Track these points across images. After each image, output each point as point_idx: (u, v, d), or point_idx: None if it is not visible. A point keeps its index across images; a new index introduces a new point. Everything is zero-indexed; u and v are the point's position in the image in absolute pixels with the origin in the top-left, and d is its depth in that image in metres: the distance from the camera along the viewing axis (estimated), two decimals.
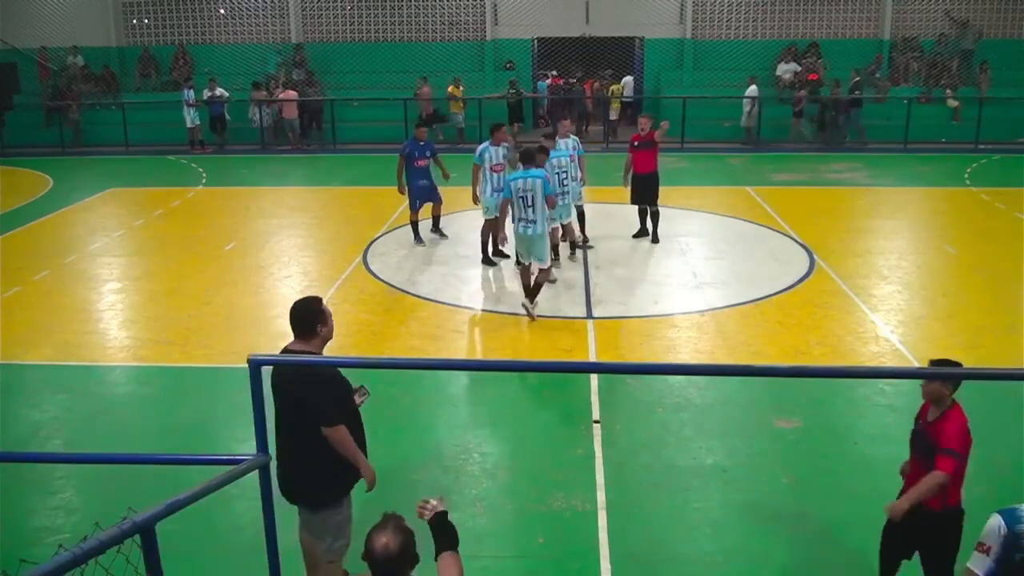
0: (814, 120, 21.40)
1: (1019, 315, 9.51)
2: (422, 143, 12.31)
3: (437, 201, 12.55)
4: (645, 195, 12.51)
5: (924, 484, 4.23)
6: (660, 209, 12.63)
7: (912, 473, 4.51)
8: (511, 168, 10.74)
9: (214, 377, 8.34)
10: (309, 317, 4.55)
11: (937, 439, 4.29)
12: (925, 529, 4.43)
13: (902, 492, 4.55)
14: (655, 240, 12.53)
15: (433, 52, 23.54)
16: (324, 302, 4.68)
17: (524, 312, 9.47)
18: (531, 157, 9.66)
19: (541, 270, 9.53)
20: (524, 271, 9.76)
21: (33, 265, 11.79)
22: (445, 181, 12.70)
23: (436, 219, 12.74)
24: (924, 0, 22.96)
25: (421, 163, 12.19)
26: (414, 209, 12.39)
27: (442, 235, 12.71)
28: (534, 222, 9.37)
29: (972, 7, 22.80)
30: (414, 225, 12.45)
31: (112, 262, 12.23)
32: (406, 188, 12.29)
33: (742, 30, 23.47)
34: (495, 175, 11.17)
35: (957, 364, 4.39)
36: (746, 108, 21.08)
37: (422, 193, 12.33)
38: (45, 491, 6.24)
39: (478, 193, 11.46)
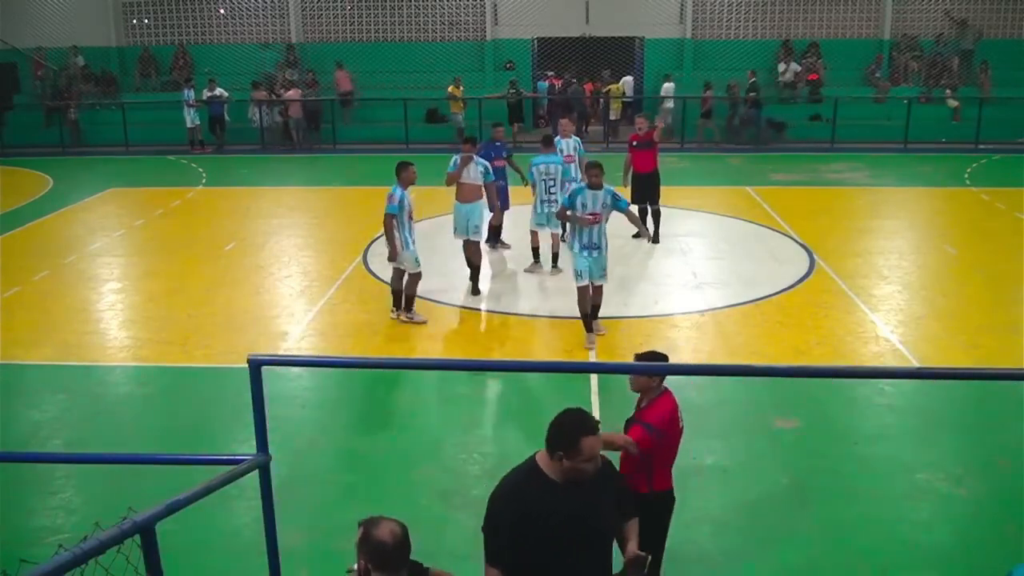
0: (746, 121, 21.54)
1: (1019, 315, 9.51)
2: (498, 144, 11.79)
3: (504, 207, 11.83)
4: (646, 194, 12.56)
5: (614, 435, 4.39)
6: (661, 208, 12.66)
7: (623, 458, 4.60)
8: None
9: (214, 377, 8.34)
10: (565, 434, 3.33)
11: (640, 418, 4.58)
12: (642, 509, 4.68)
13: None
14: (655, 240, 12.54)
15: (433, 52, 23.53)
16: (595, 428, 3.35)
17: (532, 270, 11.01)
18: (549, 141, 11.33)
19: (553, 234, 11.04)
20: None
21: (33, 265, 11.79)
22: (524, 185, 11.85)
23: (496, 229, 11.98)
24: (924, 0, 22.97)
25: (498, 164, 11.52)
26: (493, 211, 11.49)
27: (504, 245, 12.12)
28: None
29: (972, 7, 22.79)
30: (492, 229, 11.87)
31: (112, 262, 12.23)
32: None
33: (742, 30, 23.46)
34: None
35: (663, 356, 4.64)
36: (666, 106, 21.33)
37: (500, 196, 11.55)
38: (45, 491, 6.24)
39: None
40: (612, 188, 8.62)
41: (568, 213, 8.64)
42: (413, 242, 9.22)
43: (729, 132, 21.48)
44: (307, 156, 21.12)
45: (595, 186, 8.48)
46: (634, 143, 12.54)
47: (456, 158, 10.41)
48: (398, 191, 9.02)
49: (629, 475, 4.56)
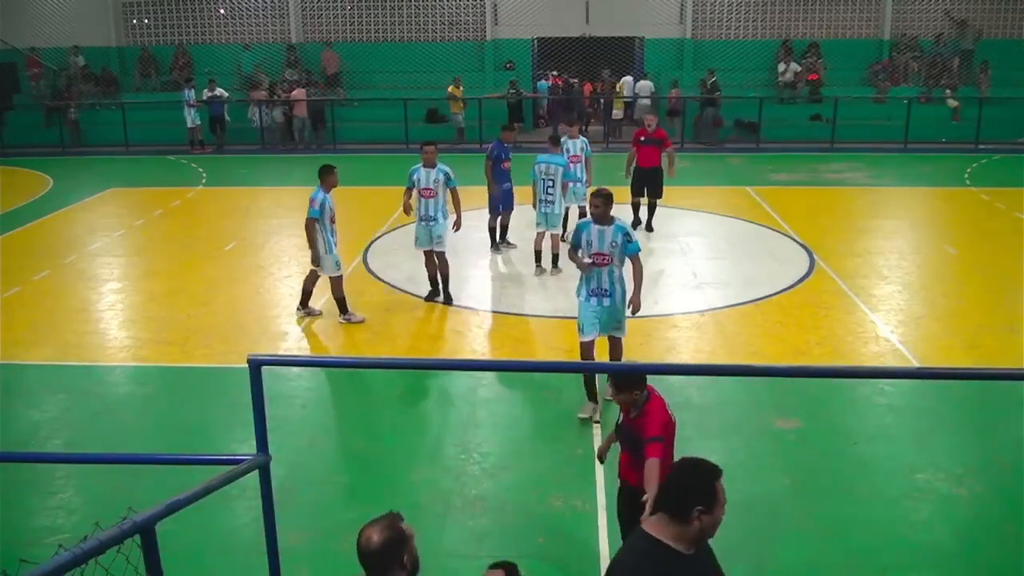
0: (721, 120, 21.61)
1: (1019, 315, 9.51)
2: (508, 145, 11.88)
3: (510, 209, 12.02)
4: (646, 187, 12.80)
5: (649, 474, 4.41)
6: (659, 204, 12.88)
7: (623, 459, 4.82)
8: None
9: (214, 377, 8.34)
10: (701, 483, 2.86)
11: (641, 432, 4.56)
12: (632, 504, 4.62)
13: (620, 474, 4.88)
14: (649, 229, 12.81)
15: (433, 52, 23.54)
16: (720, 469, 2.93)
17: (540, 271, 11.03)
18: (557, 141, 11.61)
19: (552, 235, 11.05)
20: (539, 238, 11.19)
21: (33, 265, 11.79)
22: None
23: (504, 228, 12.15)
24: (924, 0, 22.97)
25: (506, 165, 11.72)
26: (495, 214, 11.91)
27: (509, 245, 12.19)
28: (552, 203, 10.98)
29: (972, 7, 22.80)
30: (492, 232, 12.04)
31: (112, 262, 12.23)
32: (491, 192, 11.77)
33: (742, 30, 23.47)
34: (426, 201, 9.62)
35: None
36: (642, 102, 21.50)
37: (505, 198, 11.80)
38: (45, 491, 6.24)
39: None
40: (625, 226, 6.89)
41: (578, 254, 6.97)
42: (335, 244, 9.28)
43: (696, 131, 21.52)
44: (307, 156, 21.10)
45: (600, 219, 6.81)
46: (642, 138, 12.79)
47: (416, 168, 9.71)
48: (320, 195, 9.07)
49: (638, 479, 4.60)
